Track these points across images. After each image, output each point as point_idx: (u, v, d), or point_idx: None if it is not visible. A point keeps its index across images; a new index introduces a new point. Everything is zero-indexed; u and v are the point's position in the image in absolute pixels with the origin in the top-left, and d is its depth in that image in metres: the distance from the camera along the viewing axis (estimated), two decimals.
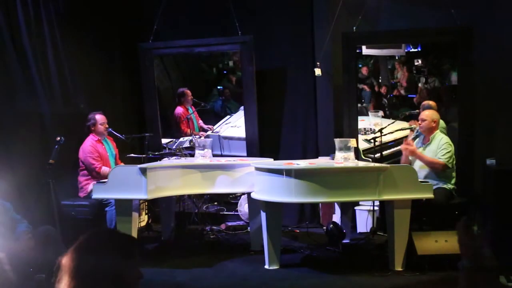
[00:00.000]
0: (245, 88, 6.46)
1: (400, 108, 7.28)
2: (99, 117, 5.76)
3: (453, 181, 5.24)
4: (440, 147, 5.19)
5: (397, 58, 7.39)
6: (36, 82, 5.45)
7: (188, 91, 7.24)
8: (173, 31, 6.72)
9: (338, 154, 4.98)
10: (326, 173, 4.63)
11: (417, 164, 5.22)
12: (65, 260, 1.61)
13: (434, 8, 6.07)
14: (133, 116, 7.04)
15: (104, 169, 5.59)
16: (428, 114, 5.33)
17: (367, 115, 6.96)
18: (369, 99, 7.46)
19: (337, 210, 6.10)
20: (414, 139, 5.49)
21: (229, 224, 6.43)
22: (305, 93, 6.62)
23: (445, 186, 5.17)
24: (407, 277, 4.51)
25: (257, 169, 4.89)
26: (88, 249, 1.61)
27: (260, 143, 6.50)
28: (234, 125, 7.14)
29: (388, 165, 4.72)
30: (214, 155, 5.91)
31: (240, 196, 6.62)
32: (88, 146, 5.65)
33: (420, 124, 5.36)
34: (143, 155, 5.98)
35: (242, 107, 6.77)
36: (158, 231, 6.16)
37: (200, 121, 7.44)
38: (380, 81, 7.61)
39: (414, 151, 5.20)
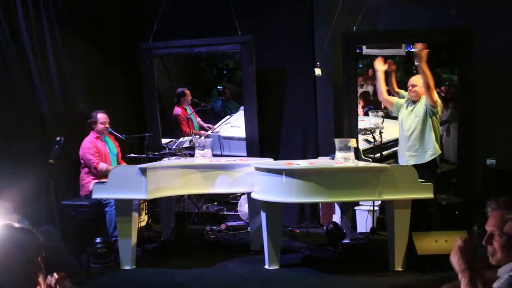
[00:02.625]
0: (245, 88, 6.46)
1: None
2: (100, 116, 5.78)
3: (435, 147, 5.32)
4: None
5: (396, 58, 7.37)
6: (36, 82, 5.45)
7: (188, 91, 7.25)
8: (173, 31, 6.72)
9: (338, 154, 4.98)
10: (326, 173, 4.63)
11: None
12: None
13: (434, 8, 6.07)
14: (133, 116, 7.04)
15: (102, 165, 5.60)
16: (418, 80, 5.34)
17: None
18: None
19: (337, 210, 6.10)
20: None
21: (229, 224, 6.44)
22: (305, 93, 6.62)
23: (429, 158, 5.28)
24: (407, 277, 4.51)
25: (257, 169, 4.89)
26: None
27: (260, 143, 6.50)
28: (234, 125, 7.14)
29: (388, 165, 4.72)
30: (214, 155, 5.91)
31: (240, 196, 6.62)
32: (87, 142, 5.69)
33: (411, 90, 5.37)
34: (143, 155, 5.98)
35: (242, 107, 6.77)
36: (158, 231, 6.16)
37: (200, 120, 7.44)
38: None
39: (423, 57, 5.15)
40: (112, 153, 5.89)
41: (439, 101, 5.27)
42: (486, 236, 2.11)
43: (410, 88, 5.38)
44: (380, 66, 5.69)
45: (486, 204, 2.16)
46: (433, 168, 5.33)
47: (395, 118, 5.81)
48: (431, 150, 5.29)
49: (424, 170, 4.98)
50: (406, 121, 5.41)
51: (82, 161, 5.68)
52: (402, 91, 5.71)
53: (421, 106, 5.30)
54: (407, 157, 5.40)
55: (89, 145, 5.66)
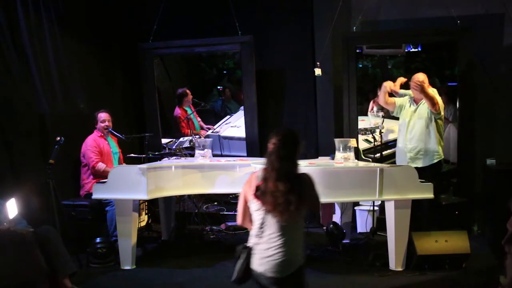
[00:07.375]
0: (245, 88, 6.47)
1: None
2: (100, 115, 5.81)
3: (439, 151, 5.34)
4: None
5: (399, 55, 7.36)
6: (36, 82, 5.45)
7: (188, 91, 7.24)
8: (173, 31, 6.72)
9: (338, 154, 4.98)
10: (326, 173, 4.63)
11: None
12: None
13: (434, 8, 6.08)
14: (133, 116, 7.04)
15: (100, 165, 5.60)
16: (420, 77, 5.27)
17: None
18: None
19: (337, 210, 6.09)
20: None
21: (229, 224, 6.43)
22: (305, 93, 6.62)
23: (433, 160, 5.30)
24: (407, 277, 4.51)
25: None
26: None
27: (260, 143, 6.50)
28: (234, 125, 7.14)
29: (388, 165, 4.72)
30: (214, 155, 5.91)
31: None
32: (91, 140, 5.71)
33: (414, 87, 5.27)
34: (143, 155, 5.98)
35: (242, 107, 6.77)
36: (158, 231, 6.16)
37: (200, 120, 7.44)
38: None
39: (424, 85, 5.14)
40: (114, 152, 5.89)
41: (442, 105, 5.26)
42: (507, 235, 2.03)
43: (413, 86, 5.30)
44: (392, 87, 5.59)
45: (510, 202, 2.10)
46: (437, 171, 5.31)
47: (396, 118, 5.80)
48: (436, 154, 5.27)
49: (426, 173, 4.95)
50: (409, 122, 5.37)
51: (83, 159, 5.68)
52: (401, 90, 5.67)
53: (424, 108, 5.26)
54: (407, 160, 5.36)
55: (92, 143, 5.68)
